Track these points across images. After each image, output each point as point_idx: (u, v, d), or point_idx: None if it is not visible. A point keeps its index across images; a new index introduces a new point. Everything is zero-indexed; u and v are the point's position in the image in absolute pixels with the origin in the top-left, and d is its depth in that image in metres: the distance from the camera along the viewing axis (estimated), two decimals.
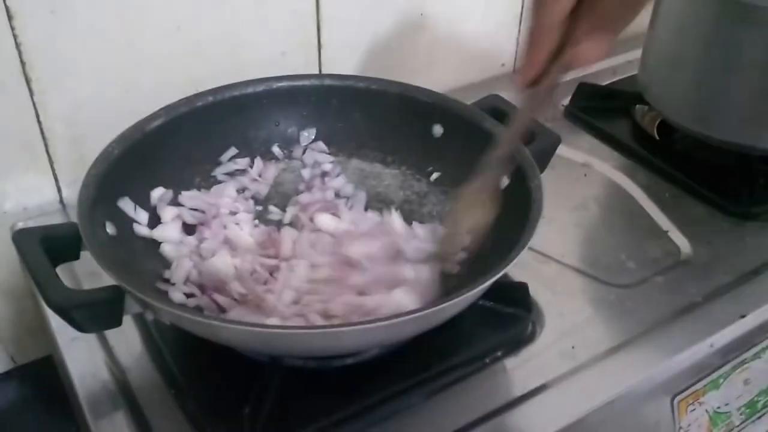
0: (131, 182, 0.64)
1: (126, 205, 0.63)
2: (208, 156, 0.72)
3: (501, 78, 1.03)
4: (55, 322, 0.63)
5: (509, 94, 0.76)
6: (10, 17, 0.65)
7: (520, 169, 0.63)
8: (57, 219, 0.75)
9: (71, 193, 0.76)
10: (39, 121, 0.70)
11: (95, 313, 0.50)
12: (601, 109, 0.95)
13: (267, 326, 0.51)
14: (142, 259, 0.62)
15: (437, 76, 0.94)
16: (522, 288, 0.64)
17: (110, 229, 0.59)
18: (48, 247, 0.53)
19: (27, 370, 0.82)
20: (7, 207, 0.73)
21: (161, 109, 0.68)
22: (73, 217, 0.74)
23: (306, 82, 0.75)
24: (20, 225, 0.73)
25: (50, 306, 0.48)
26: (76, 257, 0.57)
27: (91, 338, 0.61)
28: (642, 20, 1.11)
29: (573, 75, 1.01)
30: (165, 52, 0.74)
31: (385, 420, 0.56)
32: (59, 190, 0.75)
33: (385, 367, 0.59)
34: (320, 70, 0.86)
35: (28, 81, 0.68)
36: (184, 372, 0.58)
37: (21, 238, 0.53)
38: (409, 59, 0.93)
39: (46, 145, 0.72)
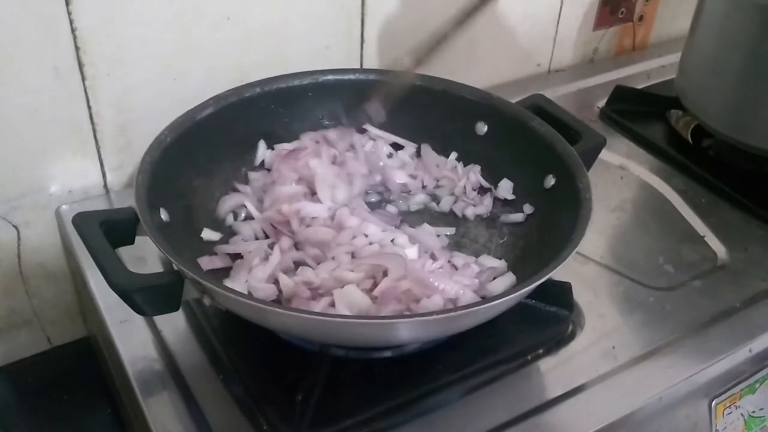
0: (180, 170, 0.65)
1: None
2: (255, 146, 0.73)
3: (537, 78, 1.04)
4: (104, 304, 0.64)
5: (546, 94, 0.77)
6: (67, 2, 0.65)
7: (568, 169, 0.64)
8: (101, 203, 0.76)
9: (115, 178, 0.77)
10: (89, 106, 0.71)
11: (155, 296, 0.51)
12: (637, 112, 0.95)
13: (329, 315, 0.52)
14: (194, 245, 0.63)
15: (475, 74, 0.94)
16: (565, 287, 0.64)
17: (164, 215, 0.60)
18: (106, 230, 0.54)
19: (63, 351, 0.83)
20: (52, 189, 0.74)
21: (210, 99, 0.69)
22: (117, 202, 0.76)
23: (351, 76, 0.76)
24: (65, 208, 0.75)
25: (113, 288, 0.49)
26: (131, 242, 0.58)
27: (139, 321, 0.62)
28: (677, 25, 1.12)
29: (608, 78, 1.04)
30: (214, 41, 0.75)
31: (428, 412, 0.57)
32: (104, 174, 0.76)
33: (427, 362, 0.60)
34: (361, 64, 0.86)
35: (81, 66, 0.69)
36: (231, 358, 0.59)
37: (81, 221, 0.54)
38: (449, 56, 0.92)
39: (94, 130, 0.73)
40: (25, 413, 0.80)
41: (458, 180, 0.73)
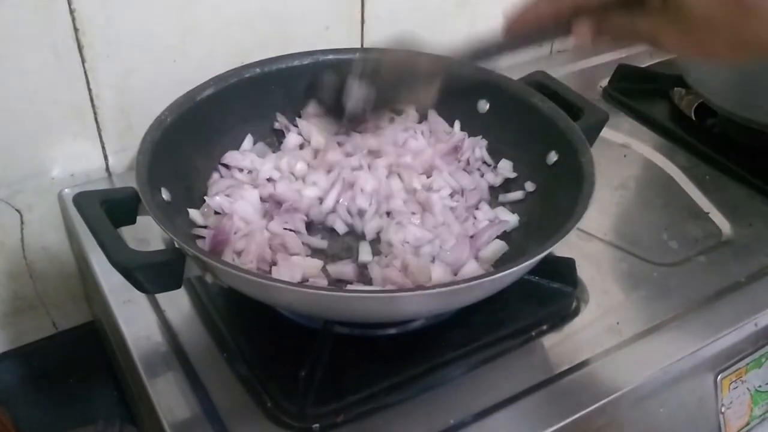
0: (181, 150, 0.65)
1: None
2: (255, 127, 0.73)
3: (540, 58, 1.03)
4: (107, 285, 0.64)
5: (549, 74, 0.76)
6: None
7: (570, 144, 0.63)
8: (103, 186, 0.75)
9: (117, 161, 0.77)
10: (89, 89, 0.71)
11: (157, 274, 0.51)
12: (640, 90, 0.95)
13: (332, 289, 0.52)
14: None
15: None
16: (568, 263, 0.64)
17: (165, 194, 0.60)
18: (107, 210, 0.54)
19: (69, 335, 0.83)
20: (54, 173, 0.74)
21: (211, 80, 0.69)
22: (119, 185, 0.76)
23: (351, 56, 0.75)
24: (67, 191, 0.74)
25: (115, 266, 0.49)
26: (133, 221, 0.58)
27: (142, 301, 0.62)
28: None
29: (611, 57, 1.03)
30: (213, 22, 0.74)
31: (432, 388, 0.57)
32: (105, 157, 0.76)
33: (431, 339, 0.60)
34: (362, 45, 0.86)
35: (80, 48, 0.69)
36: (234, 336, 0.59)
37: (82, 200, 0.54)
38: (450, 35, 0.92)
39: (95, 113, 0.73)
40: (31, 397, 0.81)
41: (464, 152, 0.73)
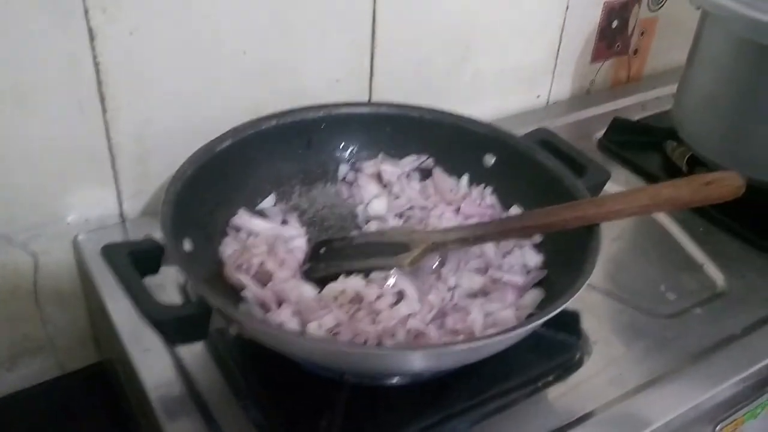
0: (202, 201, 0.67)
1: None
2: (270, 177, 0.75)
3: (537, 109, 1.07)
4: (124, 331, 0.65)
5: (546, 125, 0.80)
6: (91, 38, 0.67)
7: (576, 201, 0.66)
8: (117, 231, 0.78)
9: (131, 207, 0.79)
10: (108, 138, 0.73)
11: (185, 326, 0.52)
12: (634, 142, 0.98)
13: (361, 346, 0.55)
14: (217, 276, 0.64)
15: (478, 106, 0.97)
16: (573, 315, 0.66)
17: (188, 245, 0.62)
18: (133, 261, 0.56)
19: (75, 377, 0.84)
20: (70, 219, 0.75)
21: (228, 131, 0.71)
22: (132, 230, 0.78)
23: (363, 110, 0.78)
24: (81, 237, 0.76)
25: (145, 319, 0.51)
26: (156, 271, 0.59)
27: (161, 349, 0.64)
28: (670, 57, 1.16)
29: (605, 109, 1.07)
30: (230, 74, 0.77)
31: None
32: (120, 203, 0.78)
33: (442, 389, 0.62)
34: (370, 97, 0.89)
35: (102, 99, 0.71)
36: (251, 385, 0.60)
37: (110, 252, 0.56)
38: (454, 89, 0.96)
39: (112, 161, 0.75)
40: None
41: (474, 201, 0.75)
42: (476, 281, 0.66)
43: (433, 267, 0.68)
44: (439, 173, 0.78)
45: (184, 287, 0.69)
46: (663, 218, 0.86)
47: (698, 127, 0.90)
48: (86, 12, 0.66)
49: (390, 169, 0.78)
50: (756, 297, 0.75)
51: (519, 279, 0.65)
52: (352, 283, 0.63)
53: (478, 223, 0.69)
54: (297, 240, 0.71)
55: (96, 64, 0.69)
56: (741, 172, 0.84)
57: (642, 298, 0.74)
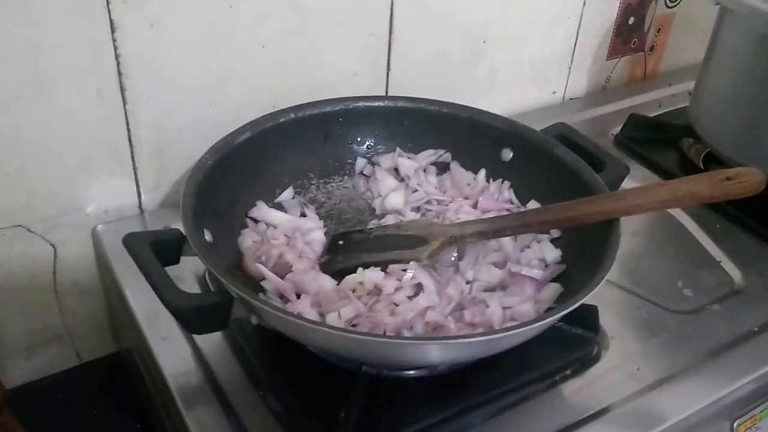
0: (221, 193, 0.67)
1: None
2: (288, 170, 0.75)
3: (553, 105, 1.07)
4: (145, 322, 0.66)
5: (562, 121, 0.80)
6: (113, 30, 0.68)
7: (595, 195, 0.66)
8: (136, 223, 0.78)
9: (150, 199, 0.79)
10: (128, 129, 0.73)
11: (207, 315, 0.53)
12: (650, 139, 0.98)
13: (381, 336, 0.55)
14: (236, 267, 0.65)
15: (494, 102, 0.97)
16: (592, 310, 0.66)
17: (207, 236, 0.62)
18: (155, 251, 0.56)
19: (93, 367, 0.85)
20: (89, 209, 0.76)
21: (248, 124, 0.71)
22: (150, 222, 0.79)
23: (380, 103, 0.79)
24: (101, 227, 0.77)
25: (168, 308, 0.51)
26: (177, 262, 0.60)
27: (180, 338, 0.64)
28: (686, 55, 1.16)
29: (621, 105, 1.07)
30: (249, 67, 0.77)
31: (462, 431, 0.59)
32: (139, 195, 0.78)
33: (460, 382, 0.62)
34: (387, 91, 0.89)
35: (122, 90, 0.71)
36: (270, 375, 0.61)
37: (132, 241, 0.56)
38: (470, 83, 0.96)
39: (132, 152, 0.75)
40: (54, 429, 0.81)
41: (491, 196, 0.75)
42: (494, 275, 0.66)
43: (452, 260, 0.68)
44: (456, 167, 0.78)
45: (202, 278, 0.69)
46: (680, 214, 0.86)
47: (716, 124, 0.90)
48: (107, 3, 0.66)
49: (407, 162, 0.78)
50: None
51: (537, 273, 0.65)
52: (371, 275, 0.63)
53: (497, 217, 0.69)
54: (315, 232, 0.71)
55: (117, 56, 0.69)
56: (759, 169, 0.85)
57: (659, 294, 0.74)
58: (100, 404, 0.83)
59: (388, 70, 0.88)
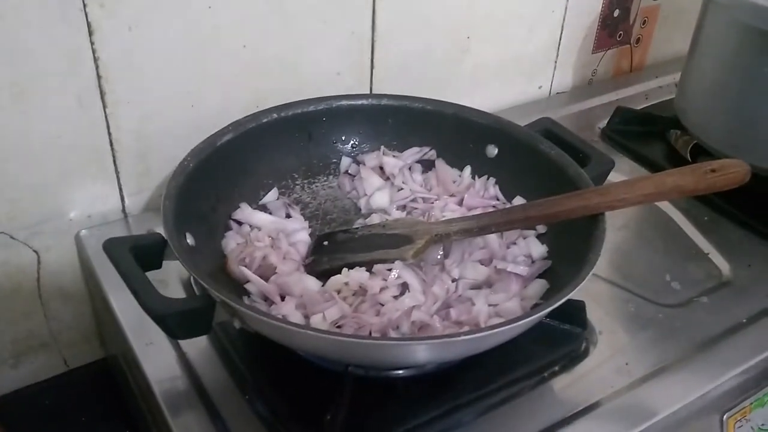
0: (203, 195, 0.67)
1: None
2: (272, 171, 0.75)
3: (539, 100, 1.06)
4: (128, 326, 0.65)
5: (548, 115, 0.79)
6: (90, 33, 0.67)
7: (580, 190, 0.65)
8: (119, 227, 0.77)
9: (133, 203, 0.78)
10: (109, 133, 0.73)
11: (189, 320, 0.52)
12: (637, 132, 0.98)
13: (366, 338, 0.54)
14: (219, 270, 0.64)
15: (479, 98, 0.97)
16: (579, 305, 0.66)
17: (190, 239, 0.61)
18: (135, 255, 0.56)
19: (79, 373, 0.84)
20: (72, 215, 0.75)
21: (230, 125, 0.71)
22: (134, 226, 0.78)
23: (364, 102, 0.78)
24: (84, 233, 0.76)
25: (149, 313, 0.50)
26: (159, 266, 0.59)
27: (164, 343, 0.64)
28: (672, 47, 1.16)
29: (608, 99, 1.07)
30: (231, 69, 0.76)
31: (450, 431, 0.59)
32: (122, 199, 0.78)
33: (447, 381, 0.61)
34: (371, 89, 0.89)
35: (102, 94, 0.70)
36: (255, 378, 0.60)
37: (112, 247, 0.56)
38: (454, 80, 0.96)
39: (114, 157, 0.74)
40: None
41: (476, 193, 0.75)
42: (480, 272, 0.66)
43: (437, 258, 0.68)
44: (441, 165, 0.77)
45: (187, 283, 0.69)
46: (668, 207, 0.85)
47: (702, 115, 0.90)
48: (84, 6, 0.65)
49: (392, 161, 0.77)
50: (761, 286, 0.74)
51: (523, 269, 0.65)
52: (356, 276, 0.63)
53: (482, 214, 0.69)
54: (300, 233, 0.70)
55: (95, 60, 0.68)
56: (745, 161, 0.84)
57: (647, 288, 0.73)
58: (88, 411, 0.83)
59: (372, 68, 0.87)
